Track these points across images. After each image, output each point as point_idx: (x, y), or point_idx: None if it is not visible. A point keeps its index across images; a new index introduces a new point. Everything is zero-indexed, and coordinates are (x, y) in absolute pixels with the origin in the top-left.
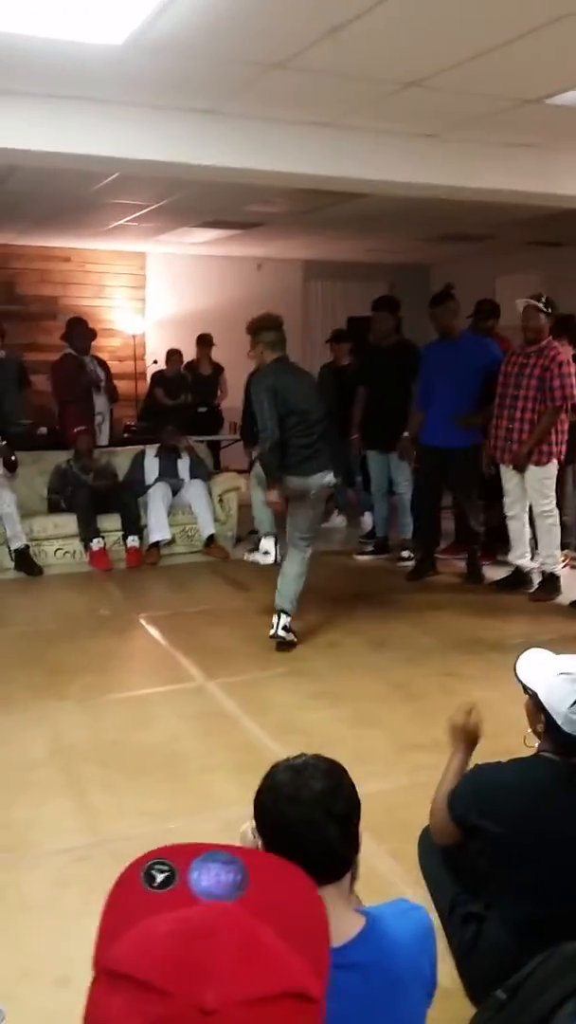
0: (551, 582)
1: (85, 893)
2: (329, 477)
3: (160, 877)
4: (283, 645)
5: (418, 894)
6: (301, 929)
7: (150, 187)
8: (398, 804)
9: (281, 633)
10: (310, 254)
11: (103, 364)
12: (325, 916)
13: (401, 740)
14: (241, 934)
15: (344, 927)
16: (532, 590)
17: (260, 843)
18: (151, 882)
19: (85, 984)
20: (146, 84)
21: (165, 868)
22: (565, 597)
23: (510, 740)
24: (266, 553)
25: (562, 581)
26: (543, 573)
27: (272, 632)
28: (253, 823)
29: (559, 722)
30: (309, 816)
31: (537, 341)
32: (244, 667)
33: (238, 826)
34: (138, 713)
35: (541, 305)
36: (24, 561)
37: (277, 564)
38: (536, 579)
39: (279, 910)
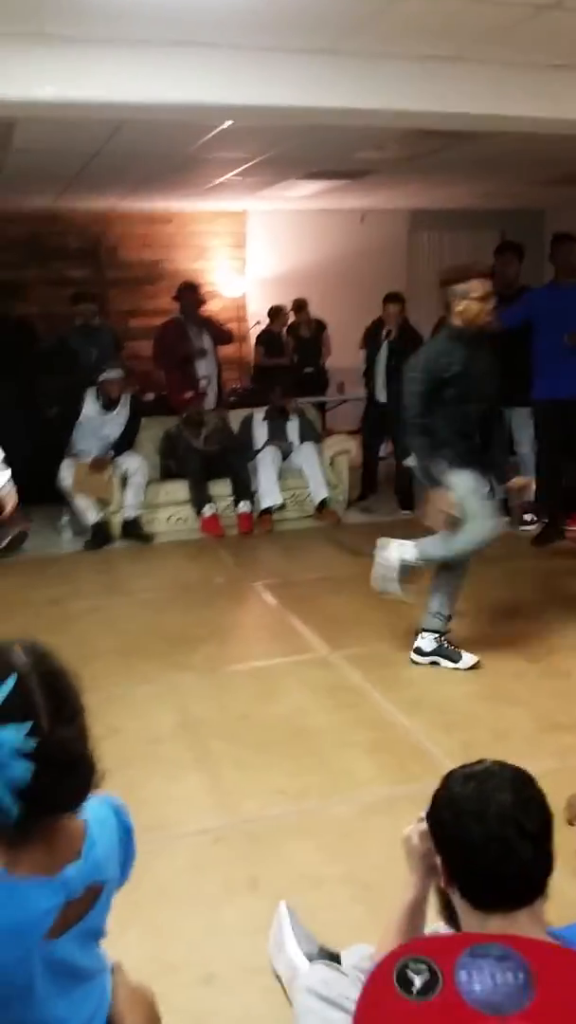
0: None
1: (224, 879)
2: None
3: (419, 981)
4: None
5: None
6: None
7: (255, 138)
8: (547, 790)
9: None
10: (416, 203)
11: (209, 321)
12: None
13: (544, 719)
14: None
15: None
16: None
17: (438, 860)
18: (407, 987)
19: (229, 983)
20: (260, 26)
21: (423, 968)
22: None
23: None
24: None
25: None
26: None
27: None
28: (422, 826)
29: None
30: (499, 834)
31: None
32: (366, 637)
33: (377, 809)
34: (263, 685)
35: None
36: (133, 529)
37: None
38: None
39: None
